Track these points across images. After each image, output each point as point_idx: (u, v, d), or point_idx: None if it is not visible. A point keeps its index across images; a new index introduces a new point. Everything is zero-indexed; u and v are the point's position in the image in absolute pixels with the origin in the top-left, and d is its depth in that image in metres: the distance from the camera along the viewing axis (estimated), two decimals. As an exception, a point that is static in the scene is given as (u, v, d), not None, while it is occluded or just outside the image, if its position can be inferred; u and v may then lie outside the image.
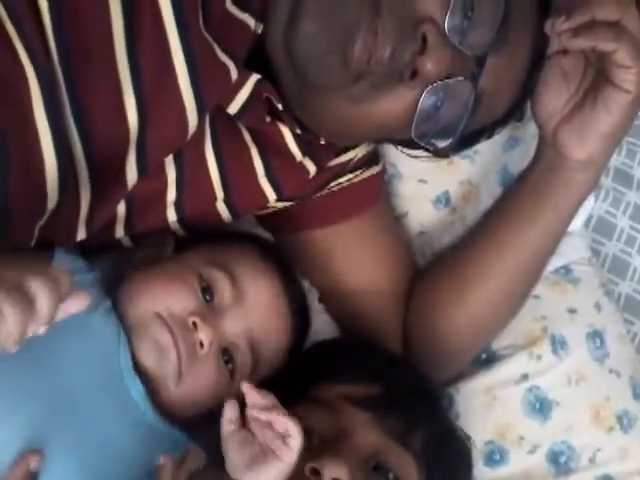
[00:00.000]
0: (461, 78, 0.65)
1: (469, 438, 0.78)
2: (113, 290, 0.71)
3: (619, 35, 0.66)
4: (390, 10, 0.62)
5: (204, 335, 0.68)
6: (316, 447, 0.69)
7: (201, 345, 0.68)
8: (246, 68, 0.67)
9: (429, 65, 0.63)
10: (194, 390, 0.69)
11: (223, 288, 0.71)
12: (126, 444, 0.65)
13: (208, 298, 0.70)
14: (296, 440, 0.63)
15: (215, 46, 0.65)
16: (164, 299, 0.69)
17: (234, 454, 0.63)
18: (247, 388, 0.64)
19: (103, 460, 0.64)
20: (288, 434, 0.63)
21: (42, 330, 0.54)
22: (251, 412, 0.63)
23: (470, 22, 0.64)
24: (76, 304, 0.56)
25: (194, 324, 0.68)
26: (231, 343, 0.70)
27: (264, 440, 0.63)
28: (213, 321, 0.69)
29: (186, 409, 0.70)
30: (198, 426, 0.71)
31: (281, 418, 0.63)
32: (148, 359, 0.68)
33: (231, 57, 0.66)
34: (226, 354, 0.70)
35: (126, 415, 0.66)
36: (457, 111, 0.67)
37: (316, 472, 0.66)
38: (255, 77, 0.68)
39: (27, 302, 0.52)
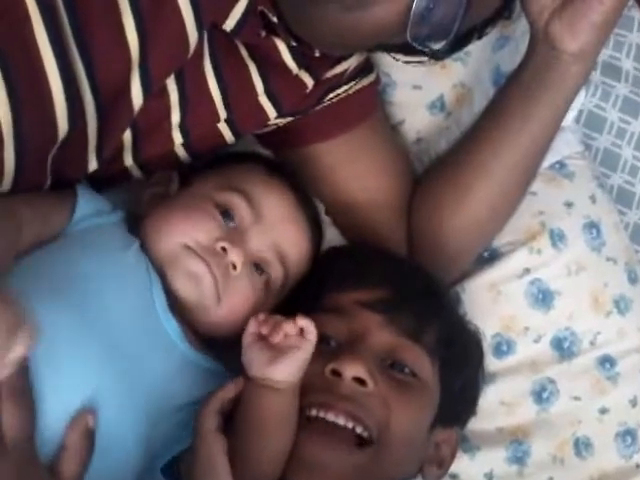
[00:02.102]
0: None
1: (478, 330, 0.82)
2: (132, 232, 0.71)
3: None
4: None
5: (235, 257, 0.70)
6: (334, 351, 0.72)
7: (234, 267, 0.70)
8: None
9: None
10: (234, 309, 0.71)
11: (241, 209, 0.72)
12: (167, 380, 0.67)
13: (229, 222, 0.72)
14: (311, 329, 0.67)
15: None
16: (188, 231, 0.70)
17: (256, 357, 0.67)
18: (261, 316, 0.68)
19: (150, 398, 0.65)
20: (303, 329, 0.67)
21: None
22: (266, 328, 0.67)
23: None
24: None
25: (223, 249, 0.70)
26: (261, 258, 0.72)
27: (282, 342, 0.66)
28: (239, 242, 0.71)
29: (227, 330, 0.71)
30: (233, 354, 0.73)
31: (293, 322, 0.67)
32: (185, 290, 0.69)
33: None
34: (258, 268, 0.72)
35: (165, 352, 0.67)
36: (451, 11, 0.67)
37: (336, 373, 0.70)
38: None
39: None
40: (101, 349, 0.63)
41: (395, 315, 0.73)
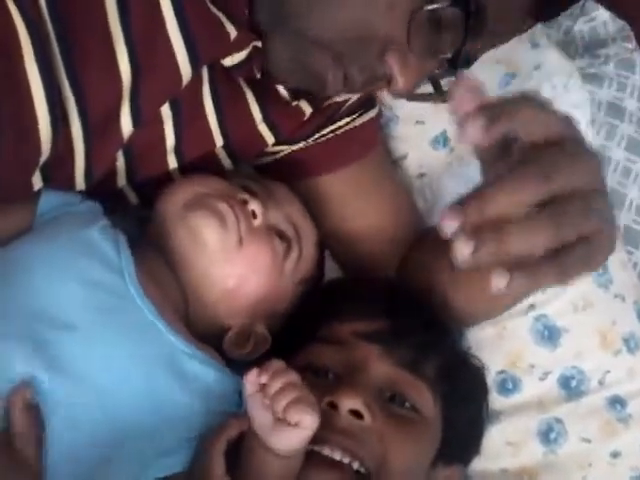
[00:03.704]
0: (440, 71, 0.66)
1: (483, 365, 0.80)
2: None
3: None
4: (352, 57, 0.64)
5: (256, 205, 0.71)
6: (331, 383, 0.70)
7: (254, 215, 0.71)
8: (253, 32, 0.67)
9: (400, 89, 0.65)
10: (253, 263, 0.70)
11: (255, 187, 0.75)
12: (140, 356, 0.63)
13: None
14: (310, 420, 0.61)
15: (208, 2, 0.65)
16: (210, 184, 0.72)
17: (257, 415, 0.62)
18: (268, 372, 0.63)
19: (121, 385, 0.61)
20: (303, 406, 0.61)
21: None
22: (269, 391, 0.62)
23: (437, 29, 0.63)
24: None
25: (244, 201, 0.72)
26: (280, 231, 0.74)
27: (283, 412, 0.61)
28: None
29: (233, 306, 0.70)
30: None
31: (296, 405, 0.61)
32: (208, 229, 0.68)
33: (229, 16, 0.66)
34: (279, 235, 0.73)
35: (140, 332, 0.64)
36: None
37: (333, 405, 0.68)
38: (257, 44, 0.68)
39: None
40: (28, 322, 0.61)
41: (394, 346, 0.71)
